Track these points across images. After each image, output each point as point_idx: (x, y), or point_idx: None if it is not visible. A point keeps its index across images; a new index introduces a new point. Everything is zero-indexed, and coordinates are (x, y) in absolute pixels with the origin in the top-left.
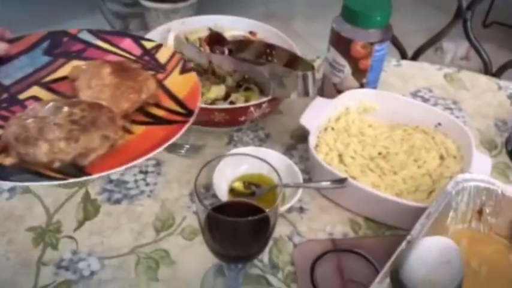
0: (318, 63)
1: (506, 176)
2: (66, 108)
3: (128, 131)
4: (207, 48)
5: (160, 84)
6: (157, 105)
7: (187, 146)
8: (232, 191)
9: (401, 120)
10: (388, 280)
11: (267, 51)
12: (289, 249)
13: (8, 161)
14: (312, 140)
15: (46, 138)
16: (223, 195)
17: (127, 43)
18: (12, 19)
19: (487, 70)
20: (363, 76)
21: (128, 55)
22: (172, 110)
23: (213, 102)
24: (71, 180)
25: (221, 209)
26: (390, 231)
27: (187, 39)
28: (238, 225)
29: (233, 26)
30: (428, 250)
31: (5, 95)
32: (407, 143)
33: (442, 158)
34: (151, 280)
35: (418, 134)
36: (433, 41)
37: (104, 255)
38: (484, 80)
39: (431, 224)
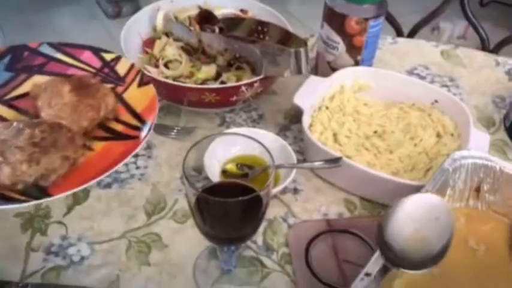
0: (311, 42)
1: (505, 153)
2: (27, 131)
3: (88, 148)
4: (197, 27)
5: (119, 97)
6: (116, 119)
7: (178, 128)
8: (224, 172)
9: (397, 98)
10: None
11: (258, 28)
12: (284, 231)
13: None
14: (306, 120)
15: (8, 162)
16: (216, 177)
17: (87, 55)
18: (5, 4)
19: (484, 47)
20: (357, 53)
21: (88, 68)
22: (130, 124)
23: (204, 82)
24: (33, 202)
25: (212, 190)
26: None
27: (176, 18)
28: (229, 206)
29: (223, 4)
30: (415, 207)
31: None
32: (404, 121)
33: (439, 135)
34: (143, 264)
35: (415, 112)
36: (429, 19)
37: (94, 240)
38: (481, 56)
39: None
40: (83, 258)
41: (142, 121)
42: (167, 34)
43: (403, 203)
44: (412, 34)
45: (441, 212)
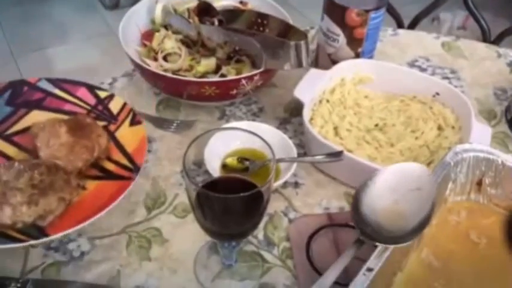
0: (312, 34)
1: (506, 145)
2: (27, 173)
3: (82, 187)
4: (196, 19)
5: (112, 136)
6: (108, 158)
7: (178, 122)
8: (225, 167)
9: (398, 91)
10: (386, 254)
11: (258, 21)
12: (285, 225)
13: None
14: (307, 113)
15: (9, 203)
16: (216, 171)
17: (82, 92)
18: None
19: (485, 38)
20: (358, 45)
21: (83, 104)
22: (121, 164)
23: (203, 75)
24: (32, 242)
25: (212, 185)
26: None
27: (175, 10)
28: (230, 202)
29: None
30: (395, 177)
31: None
32: (405, 113)
33: (440, 128)
34: (144, 259)
35: (416, 105)
36: (430, 10)
37: (94, 236)
38: (482, 47)
39: None
40: (83, 254)
41: (133, 162)
42: (166, 27)
43: (381, 173)
44: (412, 25)
45: (424, 182)
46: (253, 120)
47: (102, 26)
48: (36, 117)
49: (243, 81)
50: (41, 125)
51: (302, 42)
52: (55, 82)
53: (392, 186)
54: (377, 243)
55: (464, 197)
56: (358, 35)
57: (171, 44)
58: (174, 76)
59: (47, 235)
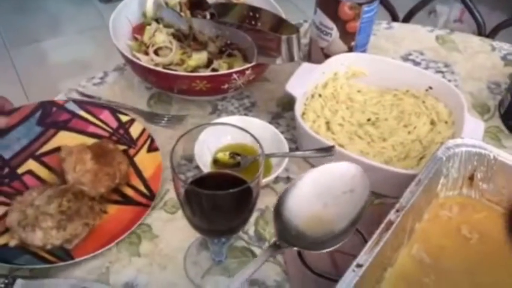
0: (305, 28)
1: (499, 140)
2: (56, 199)
3: (104, 211)
4: (188, 13)
5: (131, 161)
6: (127, 183)
7: (169, 116)
8: (216, 162)
9: (392, 85)
10: (377, 250)
11: (250, 14)
12: None
13: (13, 242)
14: (298, 108)
15: (41, 227)
16: (206, 167)
17: (105, 115)
18: None
19: (480, 32)
20: (351, 39)
21: (106, 127)
22: (138, 190)
23: (195, 69)
24: (61, 263)
25: (201, 181)
26: (379, 199)
27: (167, 3)
28: (219, 198)
29: None
30: (325, 180)
31: (6, 170)
32: (398, 108)
33: (433, 123)
34: (134, 255)
35: (409, 99)
36: (426, 2)
37: None
38: (477, 41)
39: (421, 190)
40: None
41: (149, 189)
42: (157, 20)
43: (308, 175)
44: (407, 18)
45: (357, 183)
46: (246, 114)
47: (96, 19)
48: (63, 137)
49: (235, 76)
50: (69, 149)
51: (294, 36)
52: (80, 104)
53: (322, 189)
54: (296, 248)
55: (456, 192)
56: (351, 28)
57: (162, 37)
58: (164, 70)
59: (72, 258)
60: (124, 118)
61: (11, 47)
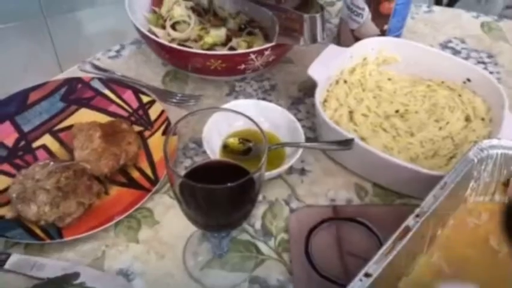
0: (338, 7)
1: None
2: (55, 175)
3: (105, 192)
4: None
5: (144, 142)
6: (135, 165)
7: (180, 95)
8: (225, 147)
9: (426, 75)
10: (389, 258)
11: None
12: (285, 215)
13: (10, 214)
14: (319, 94)
15: (36, 201)
16: (215, 153)
17: (128, 95)
18: None
19: None
20: (384, 22)
21: (127, 107)
22: (144, 172)
23: (212, 47)
24: (48, 241)
25: (200, 171)
26: (401, 199)
27: None
28: (216, 192)
29: None
30: None
31: (22, 142)
32: (430, 100)
33: (468, 119)
34: (131, 241)
35: (443, 91)
36: None
37: None
38: None
39: (446, 195)
40: None
41: (155, 173)
42: None
43: None
44: (452, 2)
45: None
46: (264, 98)
47: None
48: (83, 115)
49: (252, 56)
50: (80, 126)
51: (317, 16)
52: (105, 82)
53: None
54: None
55: (488, 198)
56: (385, 10)
57: (180, 11)
58: (178, 47)
59: (62, 236)
60: (146, 99)
61: (48, 15)
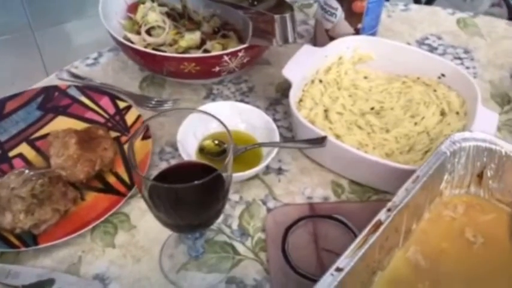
0: (314, 9)
1: None
2: (30, 183)
3: (81, 198)
4: None
5: (121, 147)
6: (111, 170)
7: (157, 99)
8: (202, 150)
9: (402, 71)
10: (361, 253)
11: None
12: (262, 215)
13: None
14: (293, 94)
15: (11, 209)
16: (190, 155)
17: (105, 101)
18: None
19: (511, 16)
20: (357, 20)
21: (103, 113)
22: (120, 178)
23: (186, 50)
24: (23, 249)
25: (168, 174)
26: (378, 195)
27: None
28: (183, 192)
29: None
30: None
31: None
32: (405, 96)
33: (443, 113)
34: (108, 246)
35: (418, 87)
36: None
37: None
38: (502, 25)
39: (419, 188)
40: None
41: (132, 179)
42: None
43: None
44: (431, 0)
45: None
46: (242, 100)
47: None
48: (60, 123)
49: (226, 58)
50: (56, 134)
51: (287, 16)
52: (82, 89)
53: None
54: None
55: (463, 191)
56: (358, 8)
57: (154, 16)
58: (150, 51)
59: (37, 243)
60: (122, 104)
61: (35, 28)
